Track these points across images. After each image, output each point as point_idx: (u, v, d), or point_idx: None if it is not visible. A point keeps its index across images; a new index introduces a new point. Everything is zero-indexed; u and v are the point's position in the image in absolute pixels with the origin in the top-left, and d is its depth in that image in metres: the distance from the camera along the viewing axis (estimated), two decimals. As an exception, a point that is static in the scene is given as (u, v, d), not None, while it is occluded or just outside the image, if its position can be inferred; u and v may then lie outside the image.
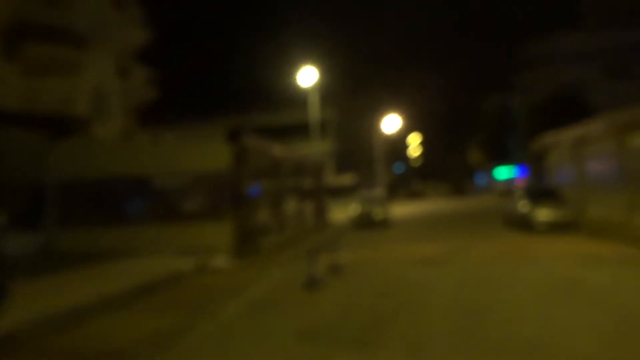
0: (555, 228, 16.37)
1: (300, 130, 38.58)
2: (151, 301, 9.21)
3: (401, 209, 34.99)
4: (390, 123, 46.82)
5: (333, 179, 43.41)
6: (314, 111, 32.16)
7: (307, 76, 31.54)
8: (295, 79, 32.30)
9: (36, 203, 14.97)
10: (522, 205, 17.70)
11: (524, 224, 17.37)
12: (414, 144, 70.74)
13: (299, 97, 36.87)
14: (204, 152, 16.02)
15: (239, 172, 15.12)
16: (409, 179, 72.63)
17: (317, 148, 32.11)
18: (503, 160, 56.30)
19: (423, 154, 78.39)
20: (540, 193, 18.53)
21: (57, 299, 8.41)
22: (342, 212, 27.33)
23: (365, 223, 23.30)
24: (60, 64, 19.88)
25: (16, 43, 18.76)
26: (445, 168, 79.34)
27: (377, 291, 8.96)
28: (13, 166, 13.82)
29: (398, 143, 62.69)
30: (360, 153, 50.99)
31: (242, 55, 69.02)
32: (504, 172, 57.72)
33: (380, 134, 46.88)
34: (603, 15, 46.55)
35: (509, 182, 53.79)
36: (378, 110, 46.36)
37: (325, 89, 35.88)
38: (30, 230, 13.98)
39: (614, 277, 9.02)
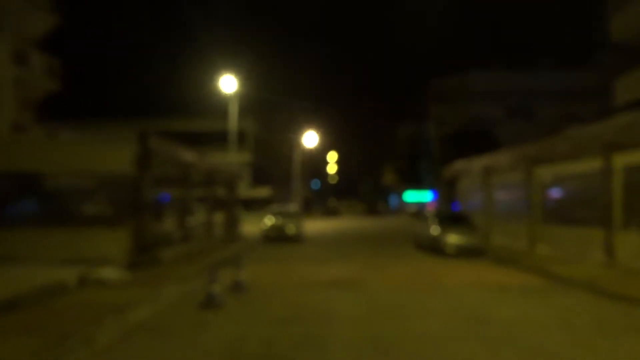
0: (464, 252, 16.58)
1: (218, 138, 37.36)
2: (16, 320, 7.87)
3: (316, 225, 34.66)
4: (309, 139, 46.66)
5: (248, 191, 42.38)
6: (233, 120, 31.16)
7: (228, 84, 30.56)
8: (215, 87, 31.18)
9: None
10: (433, 229, 17.83)
11: (434, 247, 17.46)
12: (332, 161, 71.31)
13: (218, 105, 35.67)
14: (106, 152, 14.65)
15: (143, 176, 13.90)
16: (326, 196, 73.05)
17: (234, 158, 31.07)
18: (415, 184, 58.08)
19: (340, 173, 79.30)
20: (450, 218, 18.85)
21: None
22: (256, 225, 26.48)
23: (277, 236, 22.73)
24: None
25: None
26: (361, 188, 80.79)
27: (278, 318, 8.21)
28: None
29: (316, 160, 62.83)
30: (277, 167, 50.37)
31: (161, 58, 66.52)
32: (415, 196, 59.50)
33: (299, 150, 46.55)
34: (511, 60, 50.09)
35: (420, 205, 55.49)
36: (298, 126, 46.10)
37: (246, 99, 35.01)
38: None
39: (520, 309, 8.94)
